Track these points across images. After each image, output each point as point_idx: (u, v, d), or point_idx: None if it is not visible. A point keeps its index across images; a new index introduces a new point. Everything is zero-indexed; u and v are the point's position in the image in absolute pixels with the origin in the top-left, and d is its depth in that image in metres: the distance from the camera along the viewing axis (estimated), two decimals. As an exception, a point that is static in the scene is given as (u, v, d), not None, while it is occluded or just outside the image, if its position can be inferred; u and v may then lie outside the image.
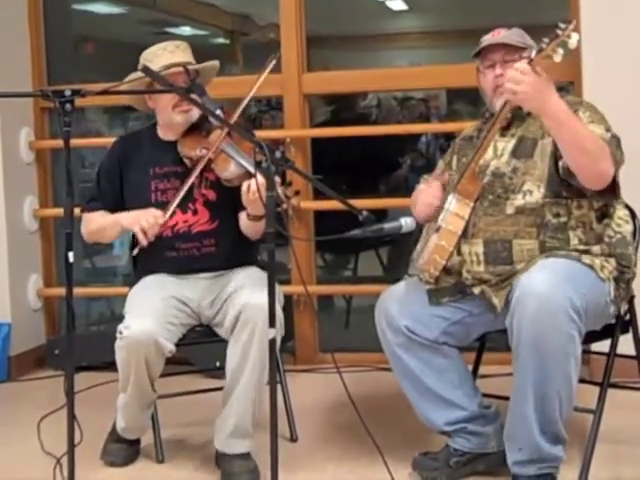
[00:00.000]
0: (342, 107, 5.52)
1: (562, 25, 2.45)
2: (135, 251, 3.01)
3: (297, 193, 2.71)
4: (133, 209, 3.05)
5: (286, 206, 2.62)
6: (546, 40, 2.48)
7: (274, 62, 3.09)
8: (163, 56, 3.03)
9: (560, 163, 2.62)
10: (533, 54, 2.48)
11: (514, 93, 2.48)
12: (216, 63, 3.18)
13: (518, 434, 2.63)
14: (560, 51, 2.47)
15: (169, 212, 2.97)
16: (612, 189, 2.66)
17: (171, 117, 3.07)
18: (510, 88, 2.48)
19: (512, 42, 2.74)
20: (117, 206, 3.11)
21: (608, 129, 2.65)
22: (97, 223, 3.12)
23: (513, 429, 2.65)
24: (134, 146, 3.17)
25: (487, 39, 2.80)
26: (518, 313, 2.53)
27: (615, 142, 2.63)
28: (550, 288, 2.49)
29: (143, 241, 2.92)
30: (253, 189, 2.74)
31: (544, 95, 2.48)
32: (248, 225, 2.99)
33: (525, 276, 2.56)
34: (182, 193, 2.99)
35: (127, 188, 3.12)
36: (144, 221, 2.91)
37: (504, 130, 2.77)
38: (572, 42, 2.45)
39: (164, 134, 3.15)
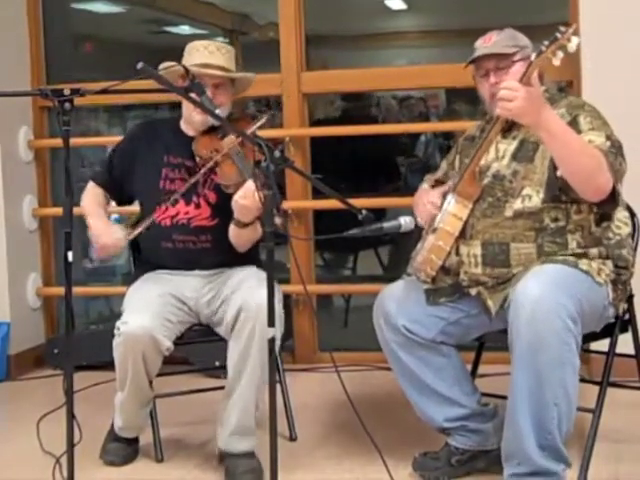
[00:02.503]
0: (353, 105, 5.52)
1: (562, 29, 2.42)
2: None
3: (285, 213, 2.72)
4: (141, 193, 3.15)
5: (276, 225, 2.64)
6: (546, 43, 2.45)
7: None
8: (202, 54, 3.05)
9: (558, 173, 2.58)
10: (533, 57, 2.46)
11: (508, 110, 2.46)
12: (252, 76, 3.19)
13: (514, 447, 2.58)
14: (559, 54, 2.44)
15: (132, 236, 3.02)
16: (613, 197, 2.61)
17: (191, 115, 3.10)
18: (503, 107, 2.46)
19: (501, 51, 2.70)
20: (119, 185, 3.18)
21: (609, 136, 2.61)
22: (85, 204, 3.17)
23: (509, 441, 2.60)
24: (153, 132, 3.21)
25: (478, 47, 2.77)
26: (513, 320, 2.52)
27: (615, 151, 2.58)
28: (544, 294, 2.47)
29: (97, 252, 3.07)
30: (241, 194, 2.81)
31: (537, 107, 2.45)
32: (234, 234, 2.99)
33: (520, 283, 2.55)
34: (177, 195, 3.03)
35: (139, 171, 3.14)
36: (106, 239, 2.99)
37: (506, 132, 2.75)
38: (571, 46, 2.42)
39: (185, 128, 3.18)
